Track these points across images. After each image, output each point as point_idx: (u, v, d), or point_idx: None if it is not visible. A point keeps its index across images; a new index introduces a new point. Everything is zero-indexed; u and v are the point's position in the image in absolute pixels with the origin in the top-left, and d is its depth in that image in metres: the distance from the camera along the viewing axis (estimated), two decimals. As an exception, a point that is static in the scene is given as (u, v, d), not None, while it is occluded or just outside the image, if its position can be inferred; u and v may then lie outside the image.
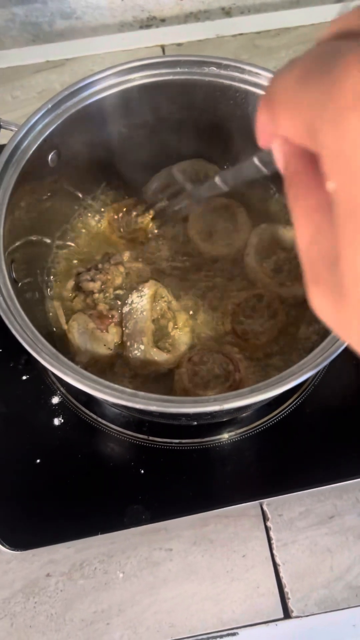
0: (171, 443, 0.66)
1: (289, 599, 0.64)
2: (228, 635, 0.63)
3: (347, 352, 0.59)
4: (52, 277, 0.70)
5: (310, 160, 0.25)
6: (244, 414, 0.68)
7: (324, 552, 0.66)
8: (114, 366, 0.65)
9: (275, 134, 0.26)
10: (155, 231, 0.73)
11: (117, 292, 0.65)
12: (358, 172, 0.20)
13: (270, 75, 0.61)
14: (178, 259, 0.72)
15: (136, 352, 0.61)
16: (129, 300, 0.64)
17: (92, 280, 0.64)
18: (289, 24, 1.05)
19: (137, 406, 0.47)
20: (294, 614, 0.64)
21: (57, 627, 0.64)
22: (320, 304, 0.24)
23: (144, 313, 0.61)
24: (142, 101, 0.65)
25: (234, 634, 0.63)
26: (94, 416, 0.68)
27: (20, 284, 0.58)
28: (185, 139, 0.72)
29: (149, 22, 1.07)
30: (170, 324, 0.64)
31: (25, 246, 0.62)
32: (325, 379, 0.70)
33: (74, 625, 0.64)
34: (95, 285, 0.64)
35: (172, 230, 0.74)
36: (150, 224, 0.73)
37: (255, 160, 0.45)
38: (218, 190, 0.56)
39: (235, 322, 0.66)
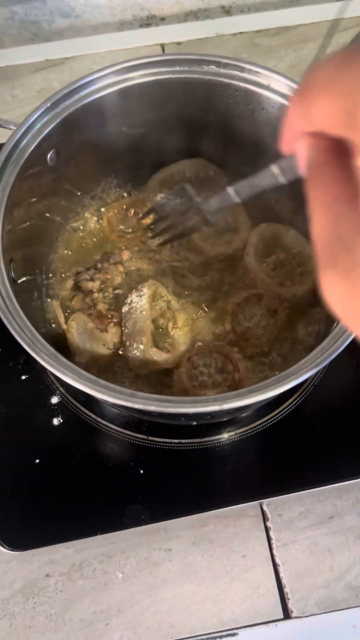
0: (171, 443, 0.66)
1: (288, 599, 0.64)
2: (228, 635, 0.63)
3: (347, 351, 0.59)
4: (51, 276, 0.70)
5: (335, 155, 0.27)
6: (243, 414, 0.68)
7: (324, 552, 0.66)
8: (113, 366, 0.65)
9: (303, 129, 0.28)
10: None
11: (117, 291, 0.65)
12: None
13: (269, 73, 0.61)
14: (178, 258, 0.72)
15: (135, 351, 0.61)
16: (129, 300, 0.63)
17: (92, 279, 0.63)
18: (288, 22, 1.04)
19: (136, 406, 0.47)
20: (293, 615, 0.64)
21: (56, 628, 0.64)
22: (333, 288, 0.25)
23: (143, 313, 0.61)
24: (142, 100, 0.65)
25: (233, 635, 0.63)
26: (93, 416, 0.67)
27: (19, 283, 0.57)
28: (185, 138, 0.71)
29: (149, 21, 1.07)
30: (170, 324, 0.64)
31: (24, 245, 0.62)
32: (325, 378, 0.69)
33: (73, 626, 0.64)
34: (94, 285, 0.63)
35: (171, 230, 0.73)
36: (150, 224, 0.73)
37: (274, 168, 0.44)
38: (230, 202, 0.54)
39: (235, 321, 0.66)
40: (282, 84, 0.61)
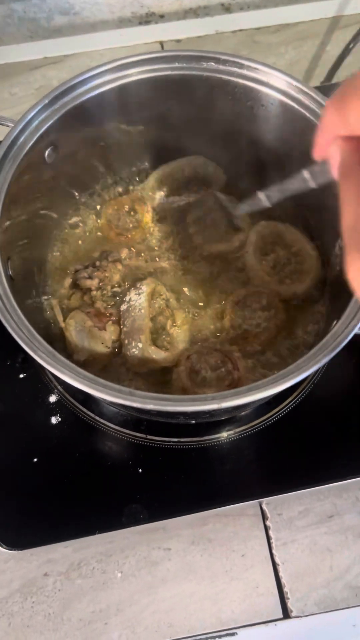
0: (169, 442, 0.66)
1: (288, 598, 0.64)
2: (227, 635, 0.63)
3: (347, 350, 0.59)
4: (49, 274, 0.69)
5: None
6: (242, 413, 0.68)
7: (323, 552, 0.66)
8: (112, 365, 0.64)
9: (338, 133, 0.33)
10: (154, 229, 0.72)
11: (115, 289, 0.65)
12: None
13: (268, 70, 0.61)
14: (177, 256, 0.71)
15: (134, 350, 0.61)
16: (127, 298, 0.63)
17: (90, 277, 0.63)
18: (288, 20, 1.04)
19: (135, 404, 0.47)
20: (293, 614, 0.63)
21: (54, 627, 0.63)
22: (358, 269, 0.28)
23: (142, 311, 0.61)
24: (140, 97, 0.64)
25: (232, 634, 0.63)
26: (92, 415, 0.67)
27: (16, 281, 0.57)
28: (184, 135, 0.71)
29: (148, 18, 1.07)
30: (169, 322, 0.64)
31: (21, 243, 0.62)
32: (324, 377, 0.69)
33: (71, 625, 0.63)
34: (92, 283, 0.63)
35: (170, 228, 0.73)
36: (149, 222, 0.73)
37: (305, 173, 0.46)
38: (261, 206, 0.57)
39: (234, 320, 0.66)
40: (281, 81, 0.61)
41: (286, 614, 0.63)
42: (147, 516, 0.62)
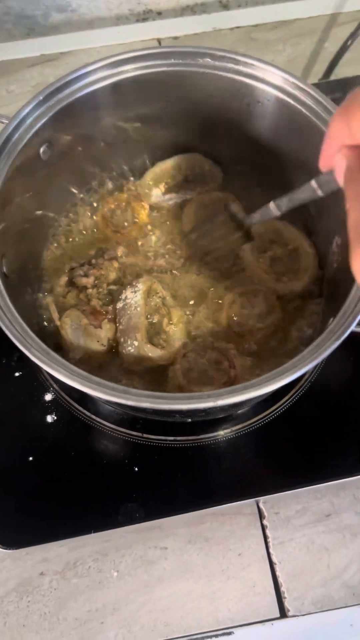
0: (166, 440, 0.65)
1: (285, 598, 0.64)
2: (223, 634, 0.62)
3: (345, 348, 0.59)
4: (45, 272, 0.69)
5: None
6: (239, 411, 0.67)
7: (320, 551, 0.66)
8: (108, 363, 0.64)
9: (344, 143, 0.35)
10: (150, 226, 0.72)
11: (111, 287, 0.64)
12: None
13: (265, 66, 0.60)
14: (173, 254, 0.71)
15: (130, 348, 0.60)
16: (123, 296, 0.63)
17: (86, 275, 0.63)
18: (286, 16, 1.03)
19: (129, 403, 0.46)
20: (290, 613, 0.63)
21: (50, 626, 0.63)
22: None
23: (138, 309, 0.60)
24: (136, 93, 0.64)
25: (229, 634, 0.62)
26: (88, 413, 0.67)
27: (11, 278, 0.57)
28: (180, 132, 0.71)
29: (146, 15, 1.06)
30: (165, 320, 0.63)
31: (16, 240, 0.61)
32: (322, 375, 0.69)
33: (67, 624, 0.63)
34: (88, 281, 0.63)
35: (167, 225, 0.73)
36: (146, 219, 0.72)
37: (313, 183, 0.48)
38: (271, 216, 0.58)
39: (231, 318, 0.65)
40: (277, 77, 0.60)
41: (283, 614, 0.63)
42: (143, 515, 0.62)
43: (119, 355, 0.63)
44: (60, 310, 0.65)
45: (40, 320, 0.65)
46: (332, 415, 0.68)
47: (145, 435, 0.66)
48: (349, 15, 1.02)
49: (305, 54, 1.00)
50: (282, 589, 0.64)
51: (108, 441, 0.66)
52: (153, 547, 0.66)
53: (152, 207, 0.73)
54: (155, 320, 0.63)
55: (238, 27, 1.03)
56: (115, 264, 0.65)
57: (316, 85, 0.60)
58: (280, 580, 0.65)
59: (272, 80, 0.61)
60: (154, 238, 0.71)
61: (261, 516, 0.67)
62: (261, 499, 0.67)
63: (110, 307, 0.63)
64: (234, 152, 0.71)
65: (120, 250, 0.68)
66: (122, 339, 0.61)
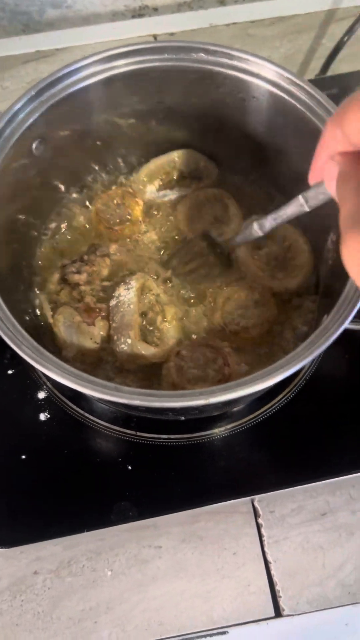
0: (159, 439, 0.65)
1: (280, 597, 0.63)
2: (218, 634, 0.62)
3: (340, 346, 0.58)
4: (38, 268, 0.69)
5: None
6: (234, 409, 0.67)
7: (316, 550, 0.65)
8: (101, 361, 0.63)
9: (337, 149, 0.36)
10: (143, 223, 0.72)
11: (104, 284, 0.64)
12: None
13: (259, 60, 0.60)
14: (167, 250, 0.70)
15: (123, 346, 0.60)
16: (116, 294, 0.62)
17: (78, 272, 0.62)
18: (283, 12, 1.03)
19: (121, 400, 0.46)
20: (285, 613, 0.63)
21: (44, 626, 0.63)
22: (354, 248, 0.31)
23: (131, 306, 0.60)
24: (129, 89, 0.63)
25: (224, 633, 0.62)
26: (81, 411, 0.66)
27: (3, 275, 0.56)
28: (175, 128, 0.70)
29: (142, 12, 1.06)
30: (159, 318, 0.63)
31: (9, 237, 0.61)
32: (317, 372, 0.68)
33: (61, 624, 0.63)
34: (81, 278, 0.62)
35: (161, 222, 0.72)
36: (140, 216, 0.72)
37: (300, 198, 0.49)
38: (253, 237, 0.59)
39: (226, 315, 0.65)
40: (271, 72, 0.60)
41: (278, 613, 0.63)
42: (136, 514, 0.61)
43: (112, 353, 0.62)
44: (53, 308, 0.64)
45: (33, 318, 0.65)
46: (327, 412, 0.67)
47: (139, 434, 0.65)
48: (346, 11, 1.02)
49: (302, 50, 0.99)
50: (277, 588, 0.64)
51: (101, 439, 0.65)
52: (147, 546, 0.66)
53: (147, 204, 0.73)
54: (149, 318, 0.62)
55: (235, 23, 1.02)
56: (108, 261, 0.65)
57: (313, 82, 0.60)
58: (275, 579, 0.64)
59: (266, 76, 0.60)
60: (148, 234, 0.71)
61: (256, 515, 0.67)
62: (256, 497, 0.66)
63: (104, 305, 0.63)
64: (229, 148, 0.70)
65: (112, 247, 0.67)
66: (115, 337, 0.61)
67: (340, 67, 0.92)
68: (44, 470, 0.64)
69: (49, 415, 0.67)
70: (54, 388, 0.68)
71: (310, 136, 0.59)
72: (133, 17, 1.06)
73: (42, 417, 0.67)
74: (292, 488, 0.64)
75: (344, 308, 0.49)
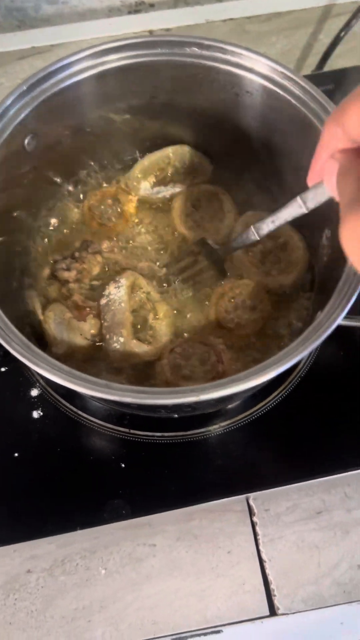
0: (153, 436, 0.65)
1: (275, 595, 0.63)
2: (212, 632, 0.62)
3: (335, 342, 0.58)
4: (30, 265, 0.68)
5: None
6: (229, 406, 0.66)
7: (311, 548, 0.65)
8: (94, 361, 0.63)
9: (337, 147, 0.37)
10: (137, 220, 0.71)
11: (93, 282, 0.63)
12: None
13: (253, 55, 0.59)
14: (162, 247, 0.70)
15: (115, 344, 0.59)
16: (107, 292, 0.62)
17: (68, 269, 0.62)
18: (280, 8, 1.02)
19: (111, 397, 0.45)
20: (280, 611, 0.62)
21: (37, 624, 0.62)
22: (355, 231, 0.31)
23: (122, 304, 0.59)
24: (122, 84, 0.63)
25: (218, 632, 0.62)
26: (74, 409, 0.66)
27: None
28: (169, 123, 0.70)
29: (138, 7, 1.05)
30: (151, 315, 0.62)
31: (1, 233, 0.60)
32: (312, 370, 0.68)
33: (54, 622, 0.62)
34: (70, 275, 0.62)
35: (155, 218, 0.72)
36: (134, 212, 0.71)
37: (299, 200, 0.49)
38: (250, 241, 0.59)
39: (220, 312, 0.65)
40: (265, 67, 0.59)
41: (273, 612, 0.62)
42: (129, 512, 0.61)
43: (104, 352, 0.62)
44: (44, 303, 0.64)
45: (26, 315, 0.64)
46: (322, 410, 0.67)
47: (132, 431, 0.65)
48: (343, 7, 1.01)
49: (298, 46, 0.99)
50: (272, 586, 0.63)
51: (95, 437, 0.65)
52: (142, 544, 0.65)
53: (140, 200, 0.72)
54: (140, 316, 0.62)
55: (231, 19, 1.02)
56: (99, 258, 0.64)
57: (309, 77, 0.59)
58: (270, 578, 0.64)
59: (260, 70, 0.60)
60: (141, 231, 0.70)
61: (251, 513, 0.66)
62: (251, 495, 0.66)
63: (94, 303, 0.62)
64: (223, 143, 0.70)
65: (105, 245, 0.66)
66: (107, 336, 0.60)
67: (337, 62, 0.92)
68: (37, 468, 0.64)
69: (42, 413, 0.66)
70: (47, 386, 0.67)
71: (304, 130, 0.59)
72: (129, 13, 1.05)
73: (35, 414, 0.66)
74: (287, 486, 0.64)
75: (338, 304, 0.49)
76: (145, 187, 0.72)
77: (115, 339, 0.59)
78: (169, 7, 1.05)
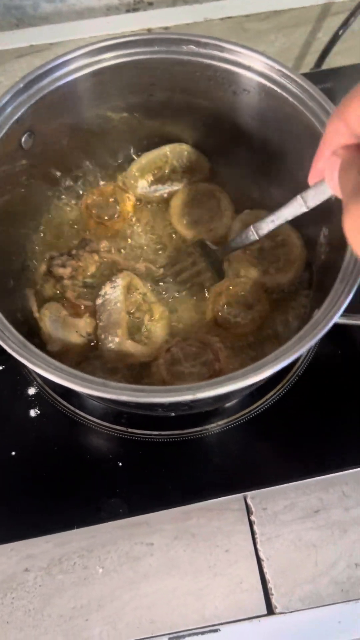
0: (151, 435, 0.64)
1: (272, 594, 0.63)
2: (210, 631, 0.62)
3: (333, 341, 0.57)
4: (27, 263, 0.68)
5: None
6: (226, 404, 0.66)
7: (308, 547, 0.65)
8: (90, 359, 0.63)
9: (340, 143, 0.37)
10: (135, 218, 0.71)
11: (87, 280, 0.63)
12: None
13: (250, 53, 0.59)
14: (160, 247, 0.70)
15: (111, 345, 0.59)
16: (102, 292, 0.62)
17: (63, 266, 0.61)
18: (278, 6, 1.02)
19: (108, 396, 0.45)
20: (277, 610, 0.62)
21: (35, 623, 0.62)
22: (357, 221, 0.32)
23: (118, 304, 0.59)
24: (119, 82, 0.62)
25: (215, 631, 0.62)
26: (71, 408, 0.66)
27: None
28: (167, 121, 0.69)
29: (136, 6, 1.05)
30: (147, 316, 0.62)
31: (-2, 231, 0.60)
32: (309, 368, 0.68)
33: (52, 621, 0.62)
34: (65, 272, 0.62)
35: (152, 217, 0.71)
36: (131, 211, 0.71)
37: (299, 199, 0.49)
38: (249, 241, 0.59)
39: (217, 311, 0.64)
40: (263, 64, 0.59)
41: (270, 610, 0.62)
42: (127, 510, 0.61)
43: (100, 352, 0.62)
44: (40, 300, 0.63)
45: (22, 313, 0.64)
46: (320, 408, 0.67)
47: (130, 430, 0.65)
48: (342, 5, 1.01)
49: (297, 44, 0.98)
50: (270, 585, 0.63)
51: (92, 436, 0.65)
52: (139, 543, 0.65)
53: (138, 199, 0.72)
54: (136, 317, 0.62)
55: (230, 18, 1.01)
56: (96, 257, 0.64)
57: (307, 75, 0.59)
58: (268, 576, 0.64)
59: (258, 68, 0.59)
60: (139, 230, 0.70)
61: (249, 512, 0.66)
62: (249, 494, 0.66)
63: (87, 301, 0.62)
64: (221, 142, 0.70)
65: (103, 244, 0.66)
66: (102, 336, 0.60)
67: (335, 61, 0.91)
68: (34, 467, 0.64)
69: (39, 412, 0.66)
70: (44, 384, 0.67)
71: (302, 129, 0.59)
72: (127, 11, 1.05)
73: (32, 413, 0.66)
74: (285, 485, 0.64)
75: (335, 302, 0.49)
76: (142, 186, 0.71)
77: (110, 339, 0.59)
78: (168, 6, 1.05)
